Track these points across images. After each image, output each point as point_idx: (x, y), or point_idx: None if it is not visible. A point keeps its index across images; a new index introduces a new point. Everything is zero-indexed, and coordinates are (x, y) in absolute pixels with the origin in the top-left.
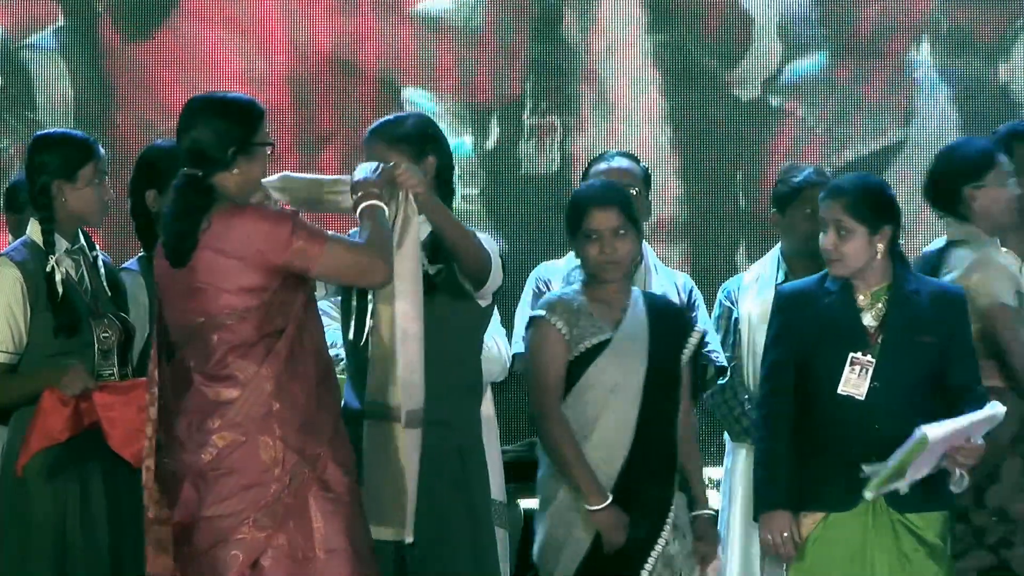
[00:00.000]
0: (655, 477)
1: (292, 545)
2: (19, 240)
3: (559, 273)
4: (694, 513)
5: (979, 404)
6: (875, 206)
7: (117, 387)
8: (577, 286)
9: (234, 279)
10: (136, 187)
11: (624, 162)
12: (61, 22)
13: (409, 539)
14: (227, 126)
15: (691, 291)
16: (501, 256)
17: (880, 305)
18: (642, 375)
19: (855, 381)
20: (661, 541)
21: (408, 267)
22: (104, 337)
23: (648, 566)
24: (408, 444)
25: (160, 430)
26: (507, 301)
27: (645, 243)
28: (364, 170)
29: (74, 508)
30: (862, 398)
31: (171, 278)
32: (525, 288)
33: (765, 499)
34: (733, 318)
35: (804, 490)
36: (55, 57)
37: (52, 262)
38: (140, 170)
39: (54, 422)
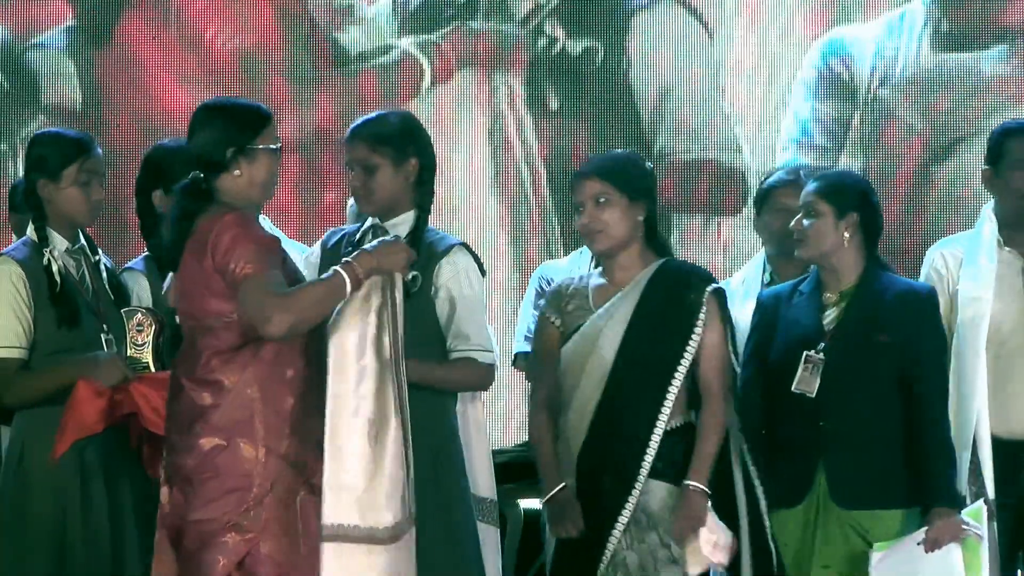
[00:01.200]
0: (615, 469)
1: (275, 549)
2: (20, 240)
3: (561, 272)
4: (683, 483)
5: (934, 433)
6: (844, 191)
7: (156, 379)
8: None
9: (211, 284)
10: (142, 187)
11: None
12: (71, 22)
13: None
14: (226, 128)
15: None
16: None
17: (844, 304)
18: (610, 358)
19: (807, 379)
20: (613, 539)
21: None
22: (139, 329)
23: (601, 566)
24: None
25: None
26: (509, 300)
27: None
28: (386, 249)
29: (74, 506)
30: (813, 395)
31: (174, 283)
32: (528, 287)
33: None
34: None
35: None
36: (62, 57)
37: (47, 255)
38: (146, 170)
39: (89, 413)
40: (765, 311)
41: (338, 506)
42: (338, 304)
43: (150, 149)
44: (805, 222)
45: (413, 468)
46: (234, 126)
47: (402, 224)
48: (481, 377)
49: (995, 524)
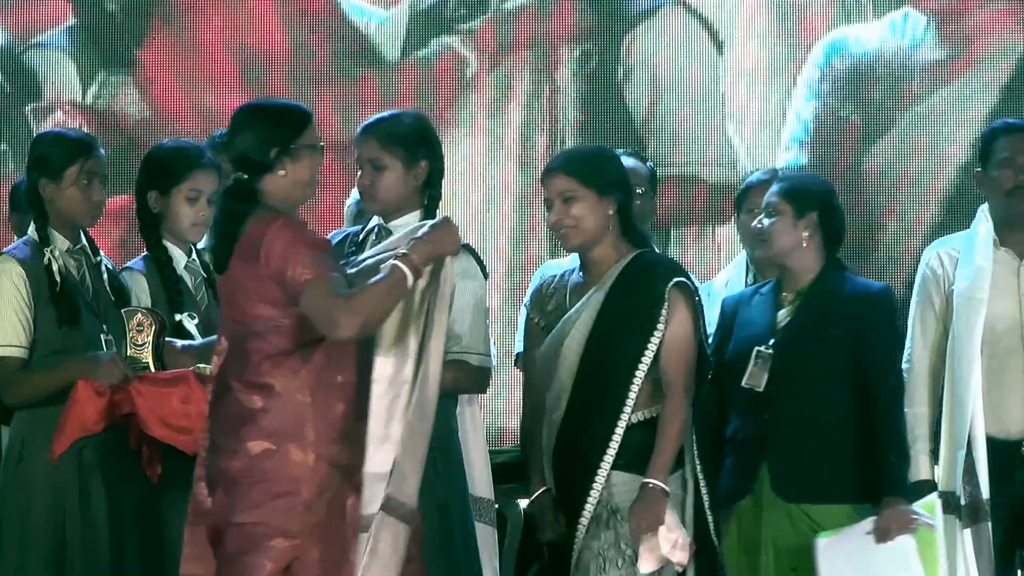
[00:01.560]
0: (580, 466)
1: (324, 555)
2: (21, 239)
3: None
4: (643, 481)
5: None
6: (804, 192)
7: (156, 378)
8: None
9: (262, 291)
10: (140, 187)
11: (629, 161)
12: (71, 21)
13: None
14: (269, 128)
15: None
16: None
17: (798, 302)
18: (577, 355)
19: (756, 373)
20: (578, 537)
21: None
22: (139, 329)
23: (572, 563)
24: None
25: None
26: (509, 301)
27: None
28: (438, 231)
29: (73, 507)
30: (761, 389)
31: (219, 283)
32: (529, 287)
33: None
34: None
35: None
36: (63, 57)
37: (48, 254)
38: (144, 170)
39: (89, 412)
40: (726, 312)
41: (378, 495)
42: (402, 298)
43: (149, 149)
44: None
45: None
46: (277, 126)
47: (406, 225)
48: (471, 379)
49: (989, 524)
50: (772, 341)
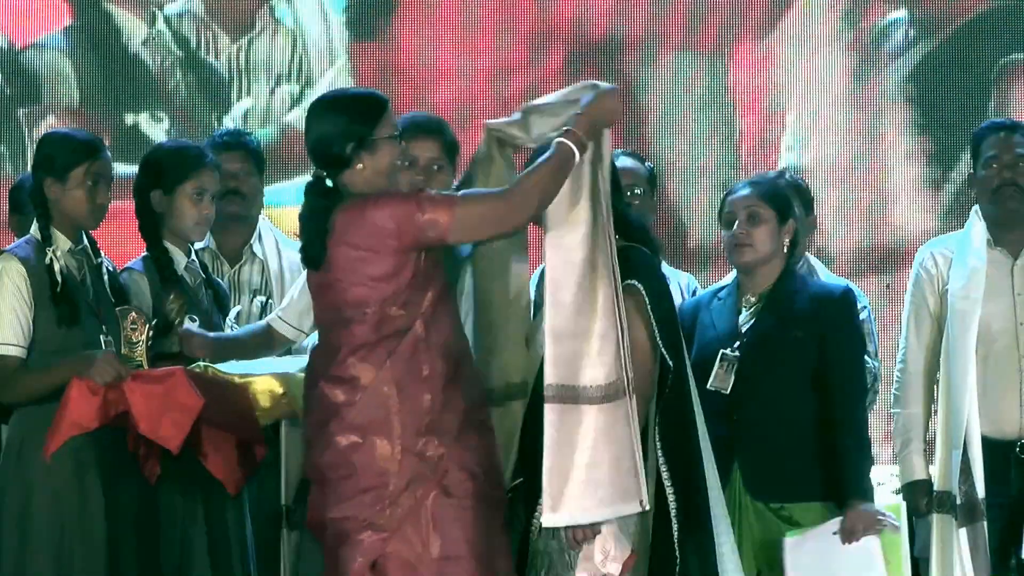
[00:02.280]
0: (535, 465)
1: (410, 549)
2: (23, 238)
3: None
4: None
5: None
6: (784, 197)
7: (150, 375)
8: None
9: (365, 270)
10: (141, 187)
11: (628, 162)
12: (69, 22)
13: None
14: (344, 123)
15: (695, 291)
16: None
17: (760, 305)
18: (540, 352)
19: (722, 376)
20: (532, 530)
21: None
22: (132, 328)
23: (528, 559)
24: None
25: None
26: None
27: None
28: (600, 103)
29: (72, 505)
30: (727, 392)
31: (311, 279)
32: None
33: None
34: None
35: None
36: (63, 57)
37: (50, 254)
38: (145, 170)
39: (84, 411)
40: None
41: (556, 364)
42: (570, 174)
43: (150, 149)
44: (749, 227)
45: (627, 334)
46: (351, 120)
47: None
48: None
49: (985, 524)
50: (737, 344)
